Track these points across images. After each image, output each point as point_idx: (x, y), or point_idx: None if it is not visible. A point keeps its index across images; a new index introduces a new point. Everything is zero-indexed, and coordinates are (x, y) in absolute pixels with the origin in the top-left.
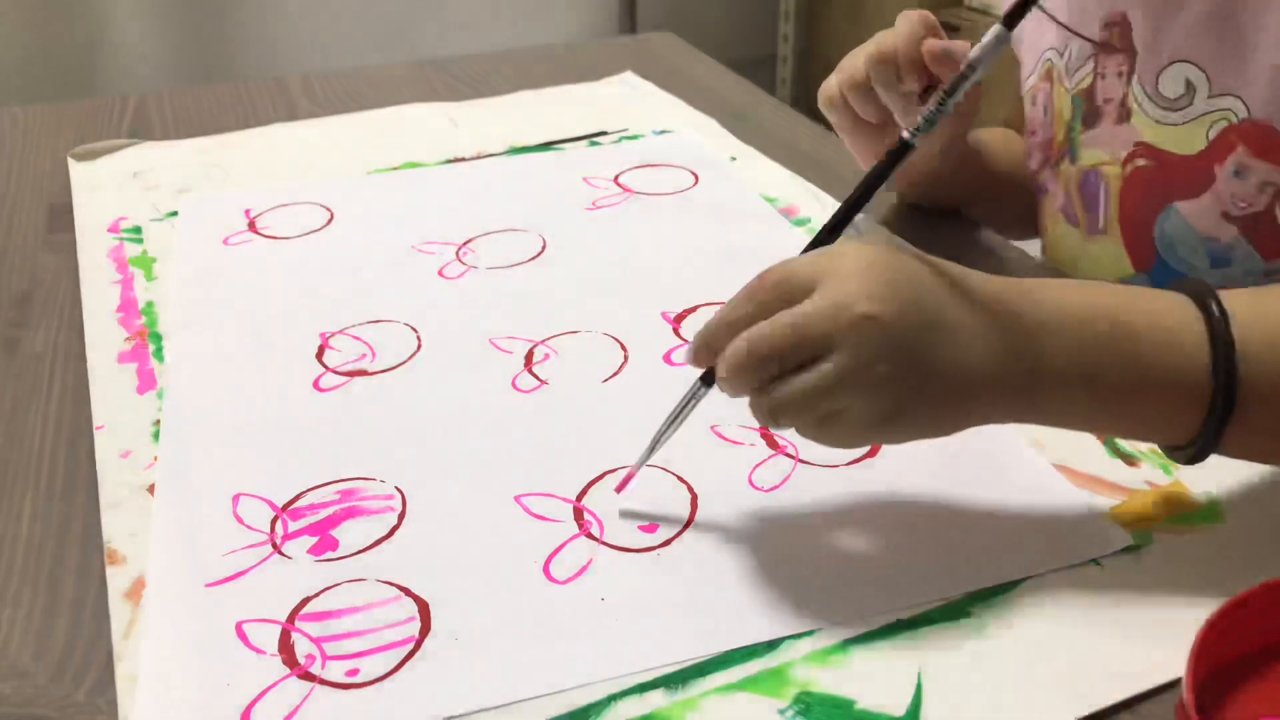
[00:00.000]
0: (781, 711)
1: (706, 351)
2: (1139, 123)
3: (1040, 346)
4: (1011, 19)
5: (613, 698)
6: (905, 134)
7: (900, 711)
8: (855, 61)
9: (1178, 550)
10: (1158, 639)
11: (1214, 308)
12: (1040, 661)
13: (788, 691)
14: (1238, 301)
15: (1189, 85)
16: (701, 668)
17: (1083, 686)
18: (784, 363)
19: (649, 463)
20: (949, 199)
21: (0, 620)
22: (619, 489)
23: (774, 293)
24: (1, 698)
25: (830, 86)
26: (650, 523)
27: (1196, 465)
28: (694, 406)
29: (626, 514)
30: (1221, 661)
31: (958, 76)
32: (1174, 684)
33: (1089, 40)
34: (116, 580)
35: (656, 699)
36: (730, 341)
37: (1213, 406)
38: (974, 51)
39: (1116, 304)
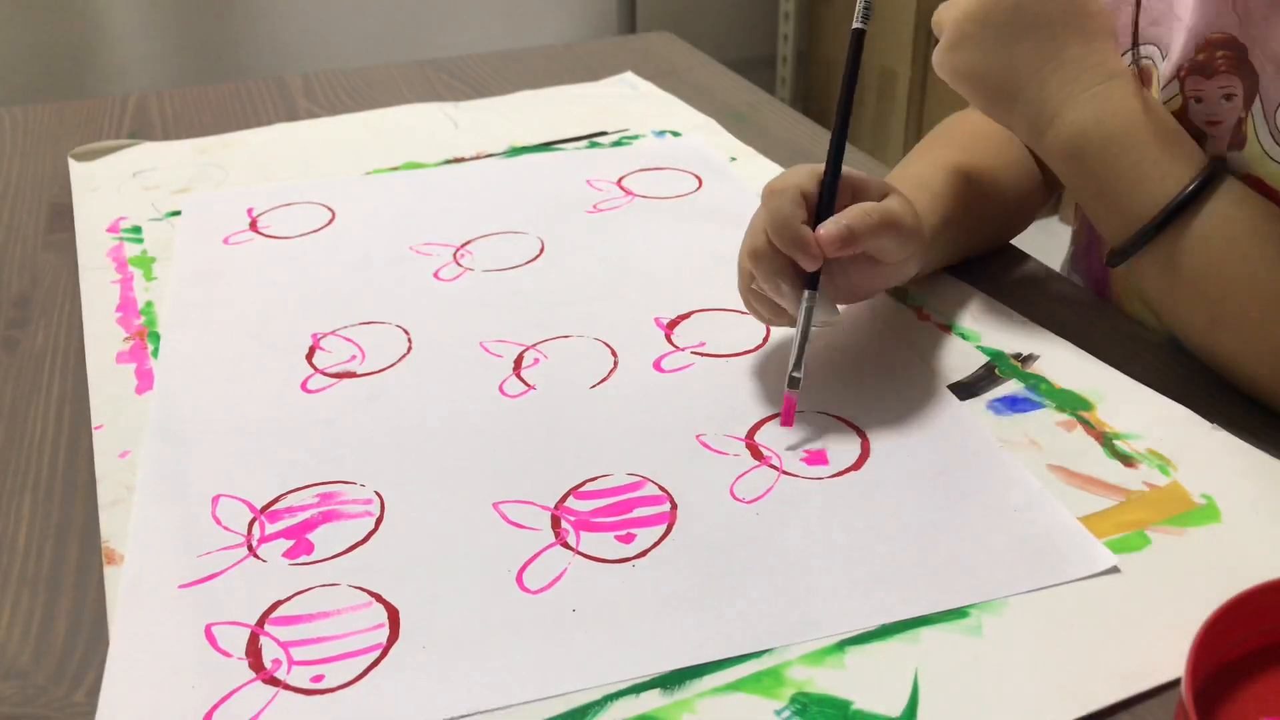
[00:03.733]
0: (778, 712)
1: None
2: (1251, 155)
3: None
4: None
5: (609, 698)
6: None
7: (897, 712)
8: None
9: (1176, 550)
10: (1157, 639)
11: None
12: (1037, 661)
13: (784, 692)
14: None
15: None
16: (698, 668)
17: (1081, 686)
18: None
19: (630, 470)
20: (964, 251)
21: (0, 620)
22: (785, 423)
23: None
24: (1, 698)
25: (741, 287)
26: (627, 532)
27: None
28: (810, 312)
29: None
30: (1221, 661)
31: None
32: (1174, 684)
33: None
34: (114, 580)
35: (653, 699)
36: None
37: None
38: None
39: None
